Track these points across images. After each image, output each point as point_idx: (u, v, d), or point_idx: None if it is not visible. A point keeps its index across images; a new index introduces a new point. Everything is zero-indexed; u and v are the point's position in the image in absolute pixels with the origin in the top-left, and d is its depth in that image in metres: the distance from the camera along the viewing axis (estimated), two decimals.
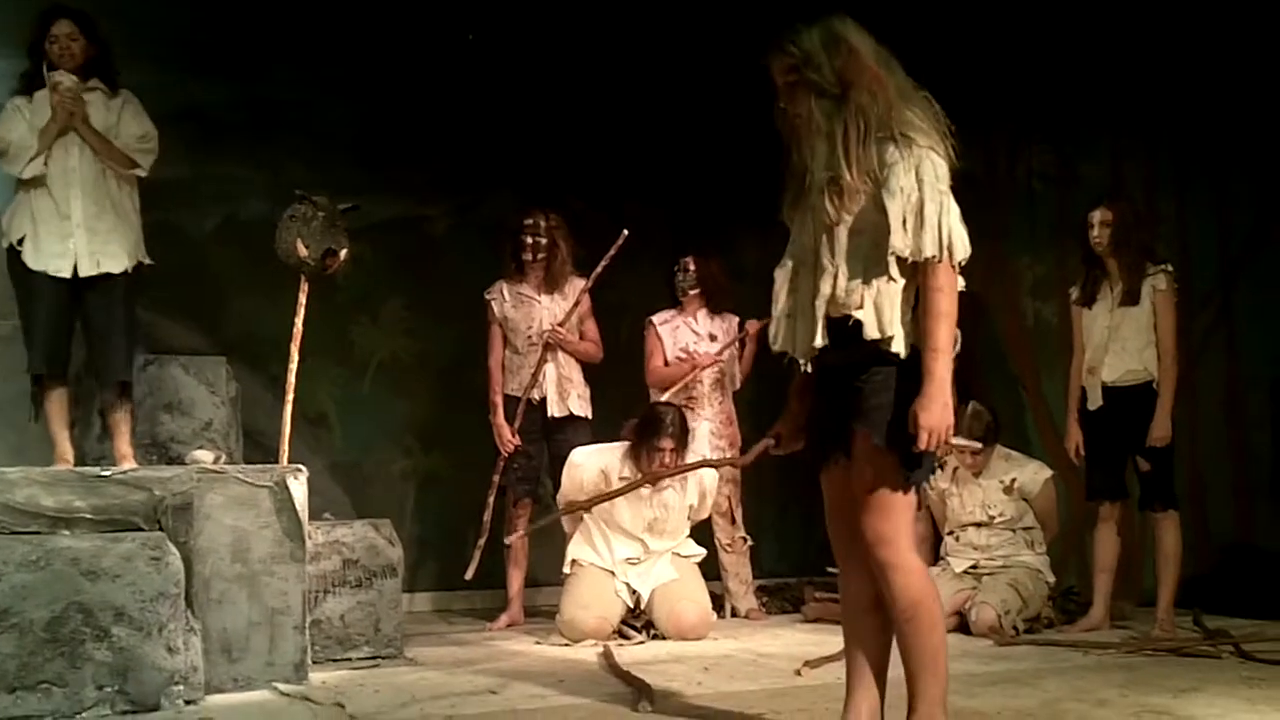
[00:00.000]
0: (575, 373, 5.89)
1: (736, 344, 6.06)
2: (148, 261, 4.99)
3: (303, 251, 4.90)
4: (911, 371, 2.81)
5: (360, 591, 4.65)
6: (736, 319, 6.12)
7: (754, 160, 7.31)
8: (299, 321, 4.94)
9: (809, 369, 3.01)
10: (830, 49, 2.89)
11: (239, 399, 5.78)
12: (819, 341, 2.92)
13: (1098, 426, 5.38)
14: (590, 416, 5.90)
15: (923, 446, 2.78)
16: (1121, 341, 5.31)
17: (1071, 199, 6.34)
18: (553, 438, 5.82)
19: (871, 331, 2.84)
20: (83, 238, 4.78)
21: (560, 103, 6.84)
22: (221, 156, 6.25)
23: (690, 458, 5.43)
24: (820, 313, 2.91)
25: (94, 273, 4.80)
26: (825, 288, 2.90)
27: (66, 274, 4.77)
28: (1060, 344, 6.01)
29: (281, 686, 4.02)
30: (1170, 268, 5.34)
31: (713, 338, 6.06)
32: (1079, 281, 5.51)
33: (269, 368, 5.93)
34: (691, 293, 6.07)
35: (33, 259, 4.77)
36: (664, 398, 5.83)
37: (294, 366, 4.91)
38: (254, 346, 6.13)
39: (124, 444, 4.89)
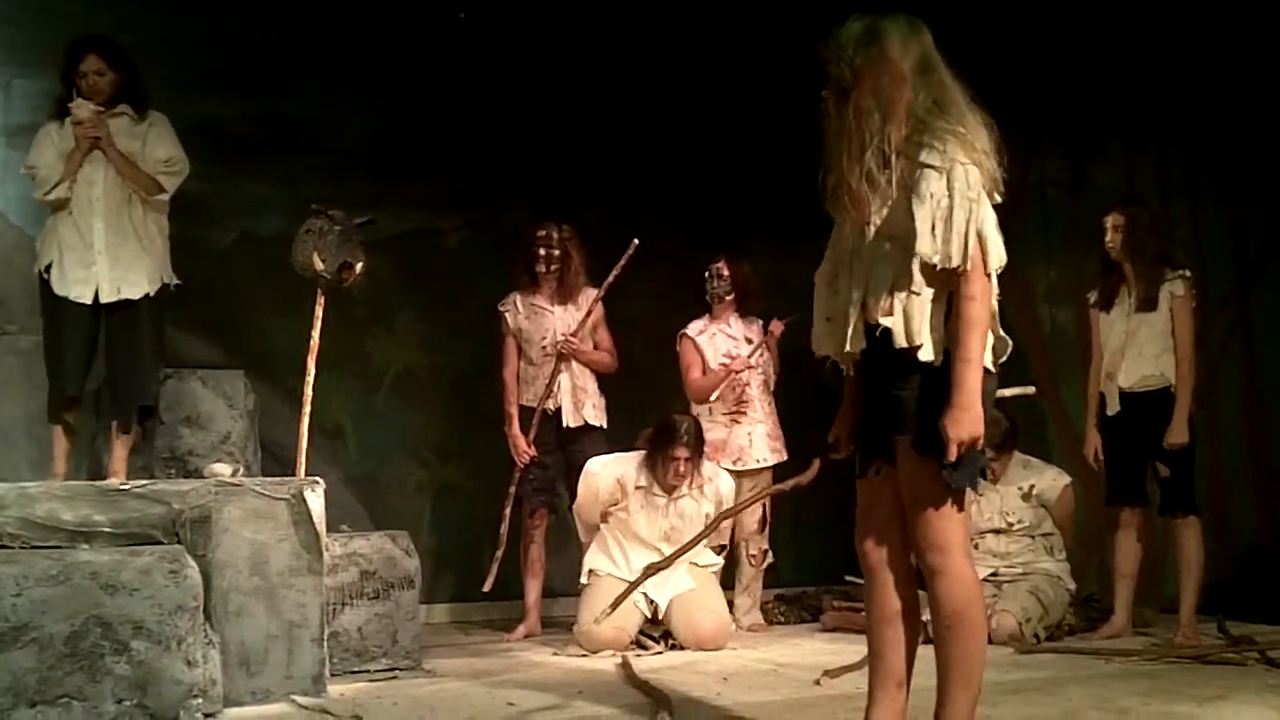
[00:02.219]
0: (590, 383, 5.89)
1: (765, 347, 6.05)
2: (174, 282, 5.03)
3: (319, 265, 4.91)
4: (947, 379, 2.78)
5: (378, 603, 4.65)
6: (761, 321, 6.11)
7: (769, 168, 7.34)
8: (315, 335, 4.94)
9: (851, 373, 3.00)
10: (861, 44, 2.87)
11: (256, 412, 5.79)
12: (850, 347, 2.92)
13: (1116, 432, 5.36)
14: (605, 426, 5.90)
15: (951, 458, 2.76)
16: (1138, 347, 5.29)
17: (1084, 204, 6.32)
18: (568, 448, 5.82)
19: (900, 340, 2.82)
20: (105, 265, 4.84)
21: (574, 115, 6.86)
22: (238, 171, 6.28)
23: (719, 463, 5.45)
24: (854, 318, 2.90)
25: (115, 299, 4.85)
26: (858, 293, 2.90)
27: (88, 300, 4.84)
28: (1078, 349, 5.99)
29: (300, 699, 4.01)
30: (1188, 273, 5.31)
31: (749, 341, 6.05)
32: (1097, 286, 5.50)
33: (285, 381, 5.93)
34: (727, 298, 6.04)
35: (58, 285, 4.85)
36: (711, 403, 5.81)
37: (310, 379, 4.92)
38: (271, 360, 6.14)
39: (119, 463, 4.93)
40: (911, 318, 2.82)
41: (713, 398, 5.87)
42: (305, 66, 6.42)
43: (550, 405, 5.80)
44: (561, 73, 6.83)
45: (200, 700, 3.73)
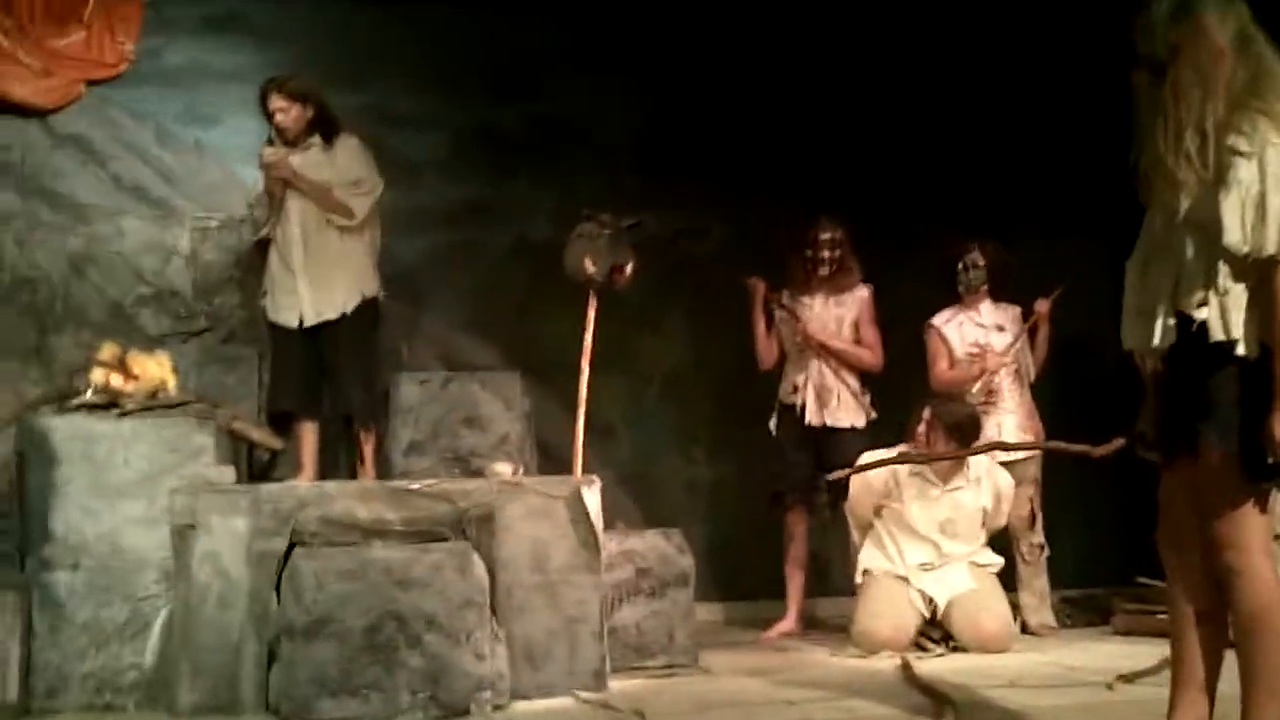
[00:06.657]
0: (847, 380, 5.77)
1: (1025, 334, 5.82)
2: (379, 295, 5.35)
3: (590, 268, 5.00)
4: (1262, 373, 2.63)
5: (654, 600, 4.71)
6: (1018, 308, 5.87)
7: (1035, 158, 6.99)
8: (589, 336, 5.04)
9: (1158, 367, 2.87)
10: (1172, 19, 2.74)
11: (532, 413, 5.95)
12: (1160, 341, 2.79)
13: None
14: (859, 426, 5.74)
15: (1276, 459, 2.61)
16: None
17: None
18: (822, 446, 5.72)
19: (1217, 333, 2.68)
20: (306, 290, 5.22)
21: (836, 111, 6.76)
22: (512, 176, 6.48)
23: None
24: (1165, 310, 2.77)
25: (316, 322, 5.21)
26: (1168, 284, 2.76)
27: (294, 324, 5.23)
28: None
29: (582, 694, 4.10)
30: None
31: (1000, 328, 5.82)
32: None
33: (557, 381, 6.07)
34: (982, 288, 5.82)
35: (270, 311, 5.29)
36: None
37: (585, 380, 5.01)
38: (543, 361, 6.30)
39: (365, 467, 5.30)
40: (1228, 310, 2.68)
41: (974, 389, 5.65)
42: (573, 70, 6.53)
43: (796, 401, 5.74)
44: (826, 70, 6.74)
45: (489, 693, 3.86)
